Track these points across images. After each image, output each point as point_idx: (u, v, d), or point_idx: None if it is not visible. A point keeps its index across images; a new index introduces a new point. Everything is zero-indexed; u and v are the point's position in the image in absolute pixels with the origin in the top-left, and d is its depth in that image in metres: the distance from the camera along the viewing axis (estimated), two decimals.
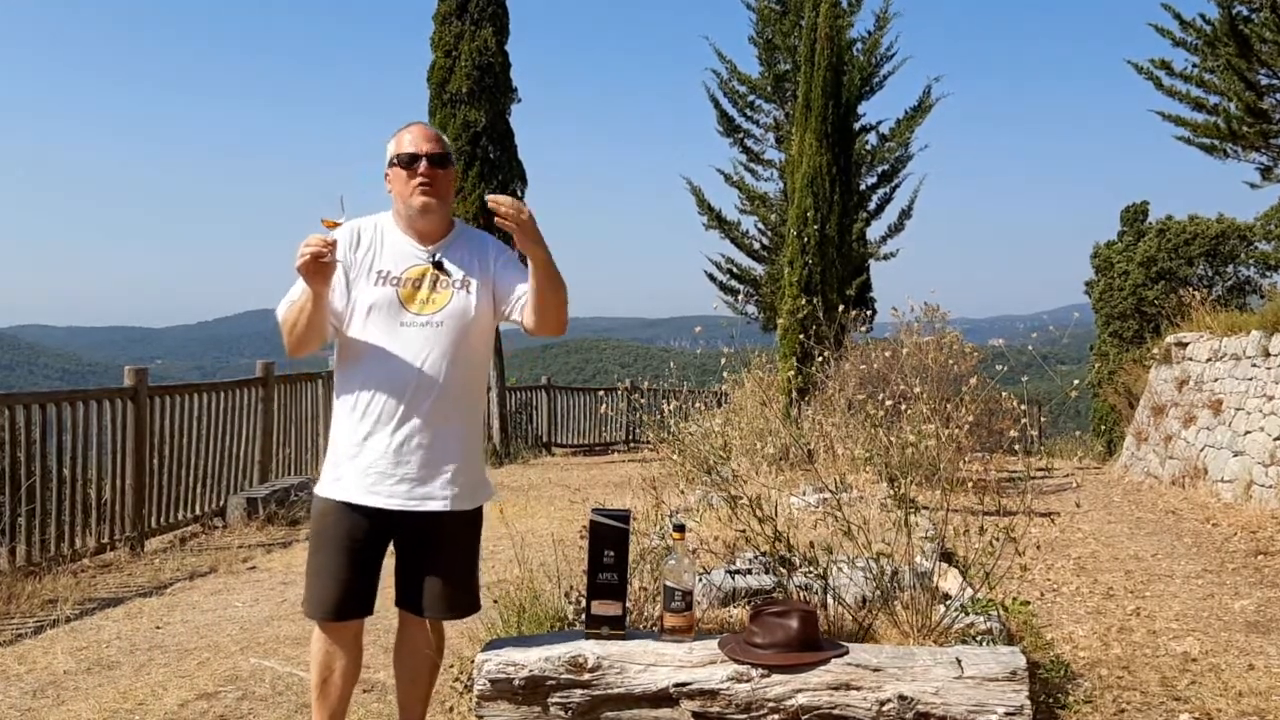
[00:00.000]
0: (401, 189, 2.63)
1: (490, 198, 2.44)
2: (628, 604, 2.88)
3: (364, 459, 2.57)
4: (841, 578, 3.64)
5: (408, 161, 2.60)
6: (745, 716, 2.65)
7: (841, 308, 9.32)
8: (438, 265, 2.62)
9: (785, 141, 17.50)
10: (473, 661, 2.90)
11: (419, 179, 2.59)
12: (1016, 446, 4.63)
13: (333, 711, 2.69)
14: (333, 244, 2.46)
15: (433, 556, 2.64)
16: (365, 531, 2.58)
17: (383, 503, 2.56)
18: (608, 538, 2.77)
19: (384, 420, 2.56)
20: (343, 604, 2.61)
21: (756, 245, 18.72)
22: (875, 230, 18.12)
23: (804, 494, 6.05)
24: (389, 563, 2.70)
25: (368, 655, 3.81)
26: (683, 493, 6.35)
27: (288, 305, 2.59)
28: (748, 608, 3.43)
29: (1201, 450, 8.74)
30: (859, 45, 17.74)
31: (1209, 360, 9.14)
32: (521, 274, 2.66)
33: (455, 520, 2.63)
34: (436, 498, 2.58)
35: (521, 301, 2.64)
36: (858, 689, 2.63)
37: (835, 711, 2.62)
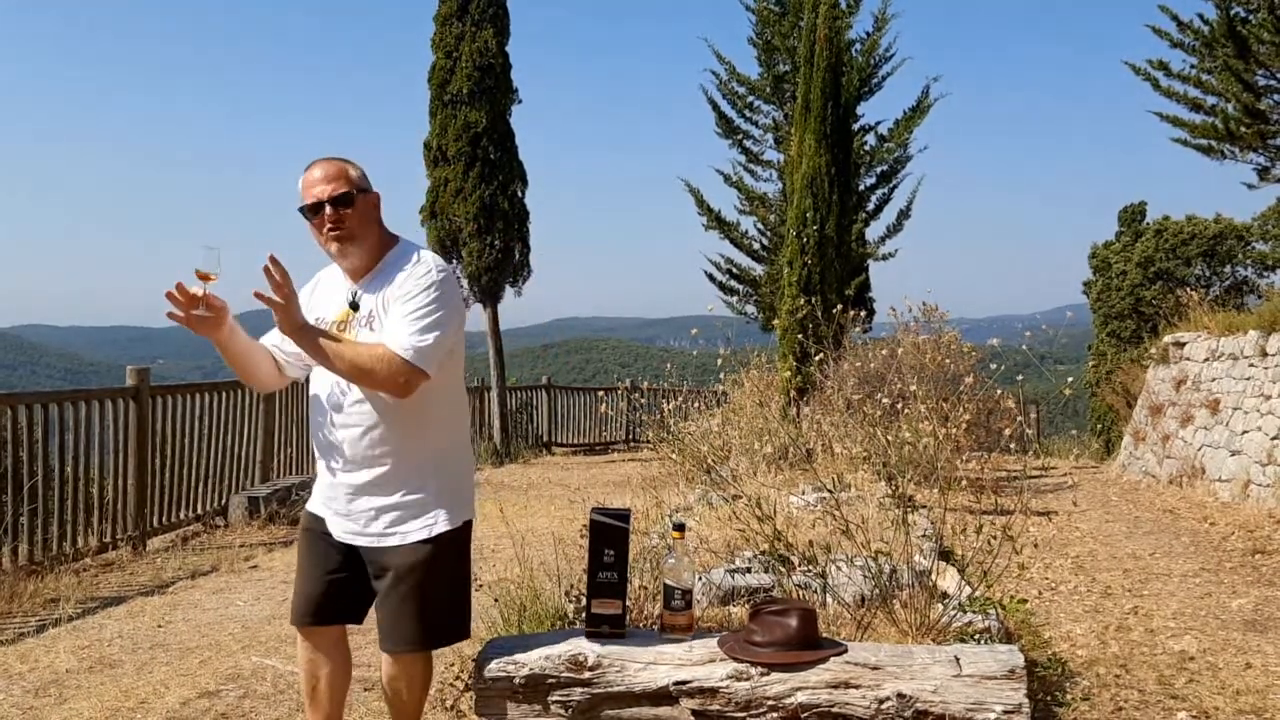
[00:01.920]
0: (317, 238, 2.59)
1: (269, 261, 2.37)
2: (628, 603, 2.89)
3: (321, 484, 2.68)
4: (840, 576, 3.66)
5: (311, 214, 2.56)
6: (745, 714, 2.66)
7: (840, 308, 9.34)
8: (354, 306, 2.59)
9: (784, 142, 17.52)
10: (473, 660, 2.91)
11: (328, 226, 2.53)
12: (1013, 445, 4.66)
13: (326, 716, 2.72)
14: (198, 298, 2.46)
15: (380, 588, 2.59)
16: (332, 542, 2.63)
17: (334, 530, 2.62)
18: (608, 537, 2.79)
19: (323, 457, 2.64)
20: (311, 609, 2.65)
21: (756, 245, 18.74)
22: (874, 231, 18.16)
23: (803, 493, 6.06)
24: None
25: (368, 654, 3.83)
26: (682, 492, 6.38)
27: None
28: (747, 606, 3.45)
29: (1199, 450, 8.76)
30: (858, 46, 17.75)
31: (1206, 360, 9.16)
32: (399, 311, 2.49)
33: (403, 554, 2.54)
34: (369, 534, 2.57)
35: None
36: (856, 687, 2.65)
37: (834, 709, 2.64)
